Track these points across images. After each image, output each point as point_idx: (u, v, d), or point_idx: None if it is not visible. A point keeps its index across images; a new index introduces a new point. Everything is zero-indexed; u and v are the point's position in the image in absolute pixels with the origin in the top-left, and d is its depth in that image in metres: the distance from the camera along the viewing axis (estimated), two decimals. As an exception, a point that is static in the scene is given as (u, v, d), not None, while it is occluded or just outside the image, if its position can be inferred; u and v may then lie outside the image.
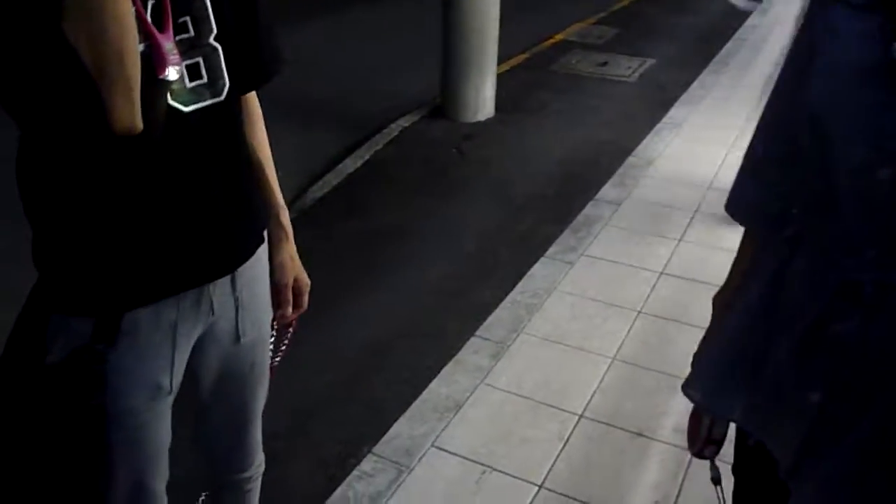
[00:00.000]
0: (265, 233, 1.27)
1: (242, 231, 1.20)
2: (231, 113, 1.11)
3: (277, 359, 1.38)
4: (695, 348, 1.15)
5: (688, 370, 1.13)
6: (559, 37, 6.67)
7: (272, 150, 1.31)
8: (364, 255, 3.20)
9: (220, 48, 1.05)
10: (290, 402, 2.22)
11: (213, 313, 1.17)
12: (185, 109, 1.02)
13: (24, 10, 0.86)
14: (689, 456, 2.11)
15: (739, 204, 1.04)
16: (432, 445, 2.15)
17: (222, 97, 1.07)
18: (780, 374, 0.92)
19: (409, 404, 2.30)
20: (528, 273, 3.02)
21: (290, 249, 1.33)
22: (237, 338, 1.23)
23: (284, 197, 1.33)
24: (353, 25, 6.73)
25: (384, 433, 2.19)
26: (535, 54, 6.13)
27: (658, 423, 2.24)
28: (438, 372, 2.45)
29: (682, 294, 2.88)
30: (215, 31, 1.04)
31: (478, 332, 2.66)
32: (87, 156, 0.98)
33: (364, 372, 2.50)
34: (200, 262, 1.12)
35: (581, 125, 4.69)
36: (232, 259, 1.18)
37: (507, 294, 2.88)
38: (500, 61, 4.85)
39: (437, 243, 3.32)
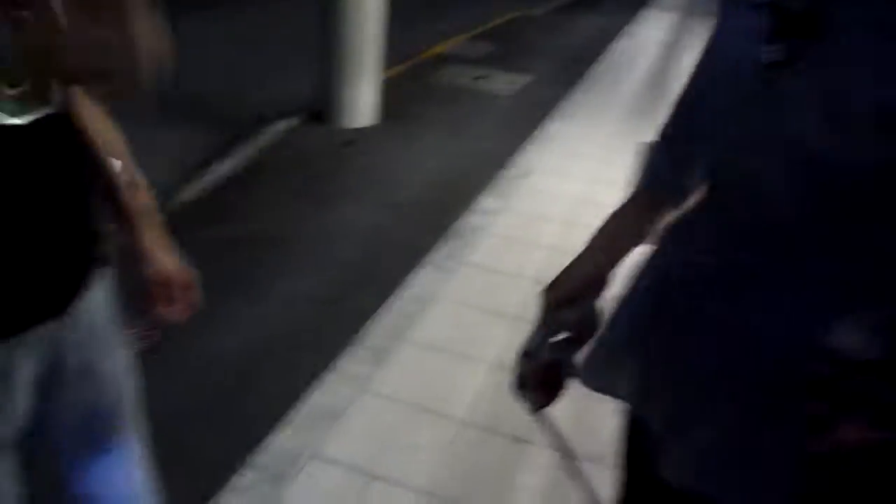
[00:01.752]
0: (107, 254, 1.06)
1: (81, 257, 1.00)
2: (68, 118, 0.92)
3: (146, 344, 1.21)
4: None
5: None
6: (438, 49, 6.75)
7: (141, 149, 1.14)
8: (237, 261, 3.07)
9: None
10: (158, 414, 2.07)
11: (55, 352, 0.98)
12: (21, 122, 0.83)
13: None
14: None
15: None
16: (313, 456, 2.08)
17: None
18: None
19: (287, 415, 2.22)
20: (408, 280, 3.01)
21: (153, 235, 1.12)
22: (90, 373, 1.04)
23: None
24: (241, 23, 6.53)
25: (261, 445, 2.10)
26: (416, 66, 6.18)
27: (536, 429, 2.27)
28: (317, 381, 2.38)
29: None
30: None
31: (357, 341, 2.61)
32: None
33: (238, 383, 2.38)
34: (32, 303, 0.93)
35: (460, 136, 4.75)
36: (67, 295, 0.98)
37: (386, 301, 2.85)
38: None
39: (314, 250, 3.24)
